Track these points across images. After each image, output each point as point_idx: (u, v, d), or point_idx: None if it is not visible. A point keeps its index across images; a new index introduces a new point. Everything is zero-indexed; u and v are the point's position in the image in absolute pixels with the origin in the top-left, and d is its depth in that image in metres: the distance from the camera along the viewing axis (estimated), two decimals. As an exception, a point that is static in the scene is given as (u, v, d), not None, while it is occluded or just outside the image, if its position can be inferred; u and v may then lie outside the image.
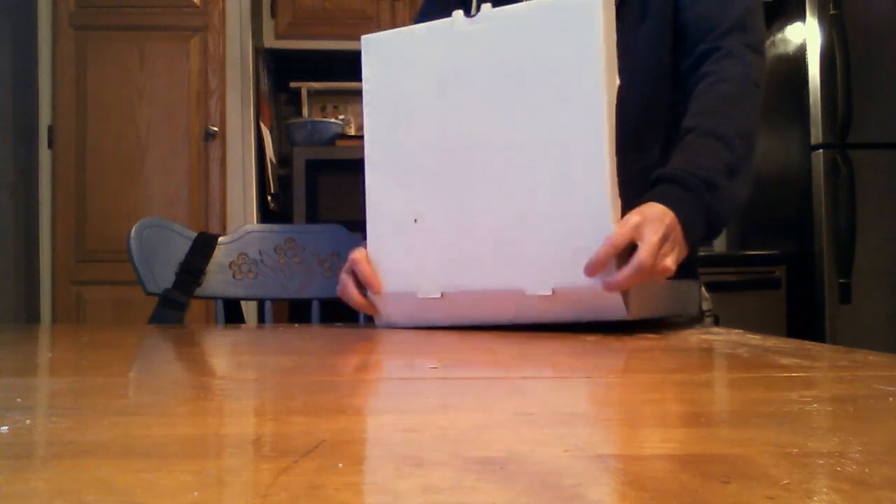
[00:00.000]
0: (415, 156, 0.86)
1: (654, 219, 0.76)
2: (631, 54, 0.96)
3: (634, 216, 0.76)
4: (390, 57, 0.88)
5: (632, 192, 0.80)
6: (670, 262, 0.76)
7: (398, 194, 0.87)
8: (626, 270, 0.72)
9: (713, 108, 0.89)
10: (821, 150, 2.36)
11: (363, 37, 0.89)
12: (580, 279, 0.74)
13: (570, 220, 0.76)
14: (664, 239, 0.75)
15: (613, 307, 0.74)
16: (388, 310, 0.88)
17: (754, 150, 0.90)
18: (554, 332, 0.76)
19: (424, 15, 1.13)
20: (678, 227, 0.78)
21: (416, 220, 0.84)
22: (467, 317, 0.83)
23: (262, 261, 1.22)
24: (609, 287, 0.73)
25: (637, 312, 0.75)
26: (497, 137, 0.81)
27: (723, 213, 0.84)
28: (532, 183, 0.79)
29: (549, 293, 0.76)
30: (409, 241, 0.85)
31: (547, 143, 0.78)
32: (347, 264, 0.91)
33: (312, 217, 2.60)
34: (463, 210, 0.82)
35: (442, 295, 0.82)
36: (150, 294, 1.15)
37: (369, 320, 1.18)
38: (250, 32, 2.67)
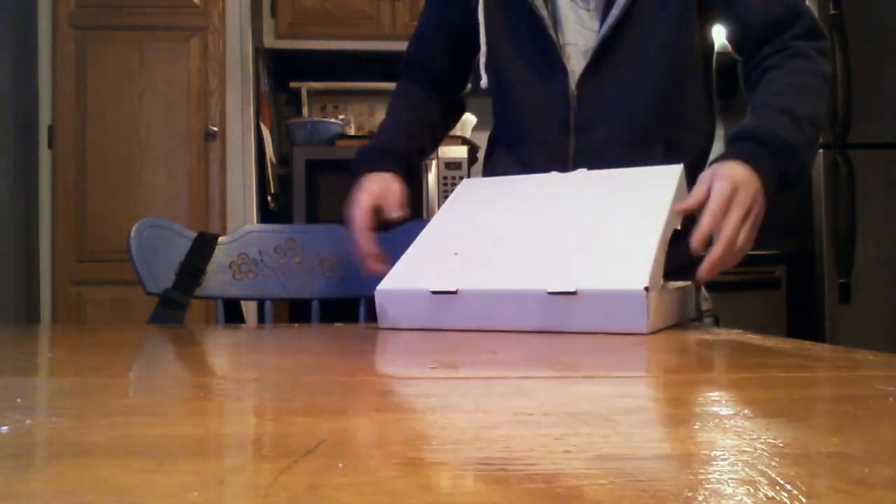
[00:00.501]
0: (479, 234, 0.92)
1: (744, 186, 0.79)
2: (645, 48, 0.96)
3: (726, 184, 0.78)
4: (480, 194, 0.99)
5: None
6: (748, 239, 0.79)
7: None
8: (718, 250, 0.75)
9: (784, 91, 0.90)
10: (821, 150, 2.36)
11: (464, 181, 1.03)
12: (606, 281, 0.74)
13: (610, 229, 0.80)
14: (747, 215, 0.78)
15: (635, 316, 0.72)
16: (395, 309, 0.86)
17: (818, 141, 0.91)
18: (554, 331, 0.76)
19: (431, 13, 1.14)
20: (761, 196, 0.81)
21: (455, 254, 0.87)
22: (480, 318, 0.80)
23: (262, 261, 1.22)
24: (704, 275, 0.75)
25: (654, 326, 0.73)
26: (550, 209, 0.89)
27: (792, 179, 0.86)
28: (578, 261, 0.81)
29: (573, 291, 0.74)
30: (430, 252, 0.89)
31: (599, 217, 0.85)
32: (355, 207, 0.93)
33: (312, 217, 2.60)
34: (492, 219, 0.90)
35: (457, 291, 0.80)
36: (150, 294, 1.15)
37: (369, 320, 1.18)
38: (250, 32, 2.67)
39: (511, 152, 1.07)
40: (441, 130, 1.19)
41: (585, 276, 0.75)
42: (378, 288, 0.85)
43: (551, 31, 0.99)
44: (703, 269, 0.76)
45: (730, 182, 0.78)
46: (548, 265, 0.79)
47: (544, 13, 0.98)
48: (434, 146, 1.18)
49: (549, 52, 0.99)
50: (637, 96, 0.98)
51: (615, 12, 0.95)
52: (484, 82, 1.05)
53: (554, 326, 0.76)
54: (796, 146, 0.84)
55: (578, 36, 1.00)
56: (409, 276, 0.86)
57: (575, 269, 0.76)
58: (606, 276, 0.74)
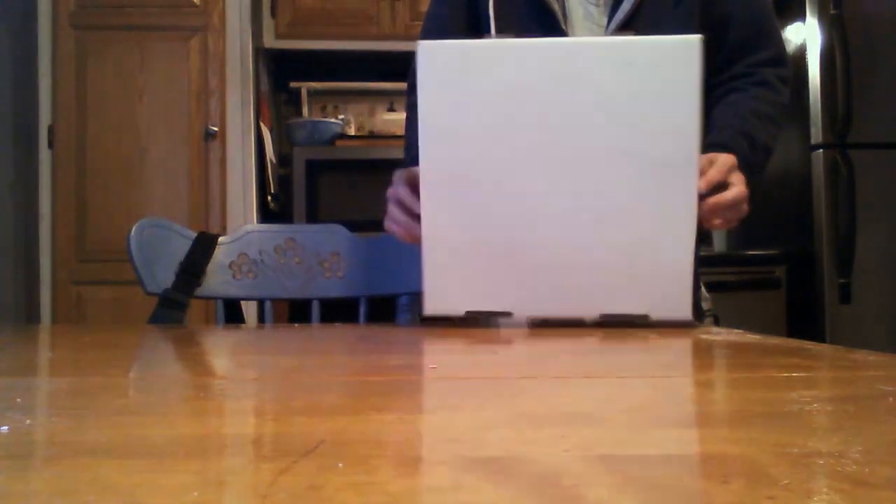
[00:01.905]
0: (476, 177, 0.81)
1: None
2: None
3: (728, 158, 0.84)
4: (452, 68, 0.81)
5: None
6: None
7: (458, 216, 0.82)
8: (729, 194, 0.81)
9: (746, 116, 0.97)
10: (821, 150, 2.36)
11: (420, 44, 0.81)
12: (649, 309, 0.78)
13: (646, 248, 0.78)
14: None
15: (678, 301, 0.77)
16: (446, 284, 0.83)
17: (766, 166, 0.98)
18: (554, 331, 0.76)
19: (434, 18, 1.13)
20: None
21: (479, 244, 0.82)
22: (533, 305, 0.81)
23: (262, 261, 1.22)
24: (707, 212, 0.80)
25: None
26: (570, 161, 0.79)
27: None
28: (608, 208, 0.79)
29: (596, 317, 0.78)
30: (471, 265, 0.82)
31: (629, 173, 0.78)
32: (393, 192, 0.88)
33: (312, 217, 2.60)
34: (529, 233, 0.80)
35: (511, 314, 0.81)
36: (150, 294, 1.15)
37: (369, 320, 1.18)
38: (250, 32, 2.67)
39: None
40: None
41: (627, 300, 0.78)
42: (426, 312, 0.83)
43: (563, 26, 0.99)
44: (706, 208, 0.80)
45: (731, 158, 0.85)
46: (588, 287, 0.80)
47: (556, 7, 0.99)
48: None
49: None
50: None
51: (626, 7, 0.95)
52: None
53: (602, 307, 0.79)
54: (752, 166, 0.91)
55: (587, 32, 1.00)
56: (460, 301, 0.83)
57: (612, 285, 0.79)
58: (650, 302, 0.78)
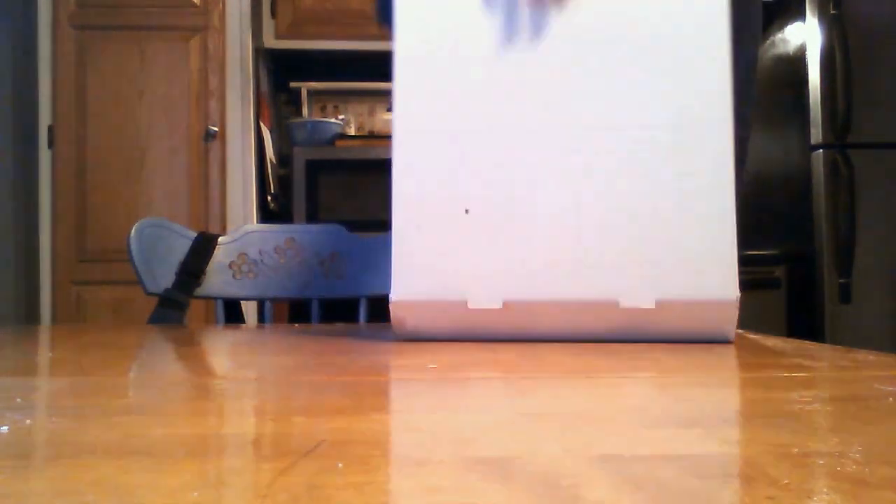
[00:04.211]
0: (465, 130, 0.68)
1: None
2: None
3: None
4: (435, 6, 0.70)
5: None
6: None
7: (440, 176, 0.68)
8: None
9: None
10: (821, 150, 2.36)
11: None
12: (691, 289, 0.65)
13: (681, 215, 0.65)
14: None
15: (722, 324, 0.66)
16: (417, 319, 0.70)
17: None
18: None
19: None
20: None
21: (466, 211, 0.67)
22: (530, 331, 0.68)
23: (262, 261, 1.22)
24: None
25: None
26: (582, 111, 0.66)
27: None
28: (630, 170, 0.66)
29: (652, 306, 0.65)
30: (454, 238, 0.68)
31: (653, 124, 0.65)
32: None
33: (312, 217, 2.60)
34: (531, 199, 0.66)
35: (503, 305, 0.67)
36: (150, 294, 1.15)
37: (370, 320, 1.18)
38: (250, 32, 2.67)
39: None
40: None
41: (662, 284, 0.65)
42: (393, 299, 0.70)
43: None
44: None
45: None
46: (613, 267, 0.66)
47: None
48: None
49: None
50: None
51: None
52: None
53: (627, 335, 0.67)
54: None
55: None
56: (437, 283, 0.68)
57: (646, 271, 0.65)
58: (689, 283, 0.65)
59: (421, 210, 0.68)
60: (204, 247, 1.19)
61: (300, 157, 2.63)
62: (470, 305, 0.67)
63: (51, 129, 2.59)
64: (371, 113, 3.15)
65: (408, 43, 0.69)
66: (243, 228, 1.25)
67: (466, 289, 0.68)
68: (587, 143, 0.66)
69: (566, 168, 0.66)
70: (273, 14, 2.84)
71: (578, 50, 0.67)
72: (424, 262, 0.68)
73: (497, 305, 0.67)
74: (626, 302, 0.65)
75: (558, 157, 0.67)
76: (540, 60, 0.67)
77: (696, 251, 0.66)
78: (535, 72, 0.68)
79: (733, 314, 0.66)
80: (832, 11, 2.34)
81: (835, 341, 2.27)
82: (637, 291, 0.65)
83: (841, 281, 2.32)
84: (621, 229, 0.66)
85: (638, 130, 0.65)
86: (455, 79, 0.69)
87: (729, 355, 0.63)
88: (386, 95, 3.09)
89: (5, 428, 0.33)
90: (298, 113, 3.06)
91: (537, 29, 0.68)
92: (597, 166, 0.66)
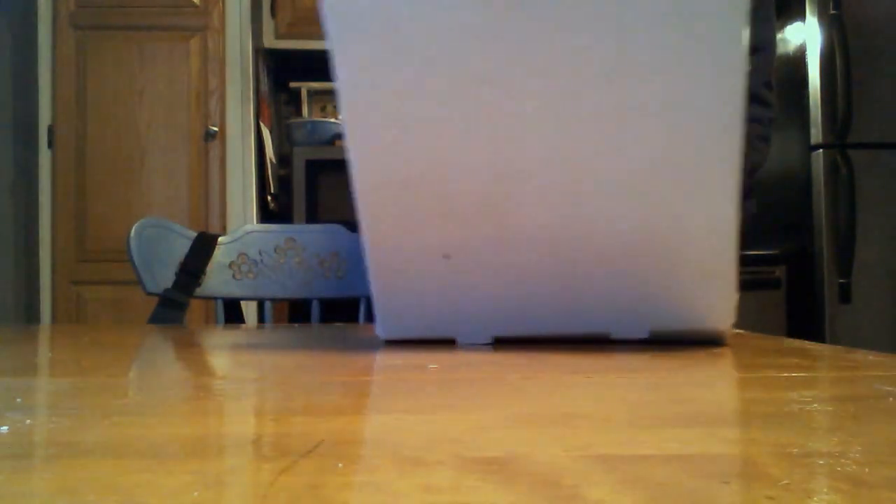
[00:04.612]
0: (431, 167, 0.57)
1: None
2: None
3: None
4: (370, 18, 0.54)
5: None
6: None
7: (412, 225, 0.61)
8: None
9: None
10: (821, 150, 2.36)
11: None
12: (686, 321, 0.62)
13: (677, 244, 0.58)
14: None
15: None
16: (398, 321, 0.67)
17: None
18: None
19: None
20: None
21: (446, 256, 0.61)
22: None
23: (262, 261, 1.22)
24: None
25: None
26: (560, 131, 0.53)
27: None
28: (619, 188, 0.56)
29: (645, 335, 0.63)
30: (436, 280, 0.62)
31: (651, 127, 0.53)
32: None
33: (312, 217, 2.60)
34: (513, 236, 0.59)
35: (494, 341, 0.66)
36: (150, 294, 1.15)
37: (369, 320, 1.18)
38: (250, 32, 2.67)
39: None
40: None
41: (657, 316, 0.62)
42: (382, 336, 0.69)
43: None
44: None
45: None
46: (603, 304, 0.61)
47: None
48: None
49: None
50: None
51: None
52: None
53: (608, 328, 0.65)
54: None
55: None
56: (416, 316, 0.66)
57: (639, 304, 0.61)
58: (684, 314, 0.61)
59: (398, 255, 0.62)
60: (204, 247, 1.19)
61: (300, 157, 2.63)
62: (459, 342, 0.66)
63: (51, 129, 2.59)
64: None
65: (352, 83, 0.55)
66: (243, 228, 1.25)
67: (455, 328, 0.65)
68: (560, 166, 0.56)
69: (550, 200, 0.57)
70: (273, 14, 2.84)
71: (559, 87, 0.52)
72: (408, 303, 0.64)
73: (487, 341, 0.65)
74: (619, 335, 0.63)
75: (534, 187, 0.57)
76: (513, 95, 0.53)
77: (692, 282, 0.60)
78: (504, 108, 0.54)
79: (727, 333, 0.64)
80: (832, 11, 2.34)
81: (835, 341, 2.27)
82: (629, 325, 0.62)
83: (841, 281, 2.32)
84: (612, 261, 0.59)
85: (630, 138, 0.54)
86: (410, 122, 0.56)
87: (728, 355, 0.63)
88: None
89: (5, 428, 0.33)
90: (298, 113, 3.06)
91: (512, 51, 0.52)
92: (585, 192, 0.57)
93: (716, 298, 0.61)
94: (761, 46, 0.99)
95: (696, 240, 0.59)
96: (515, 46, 0.51)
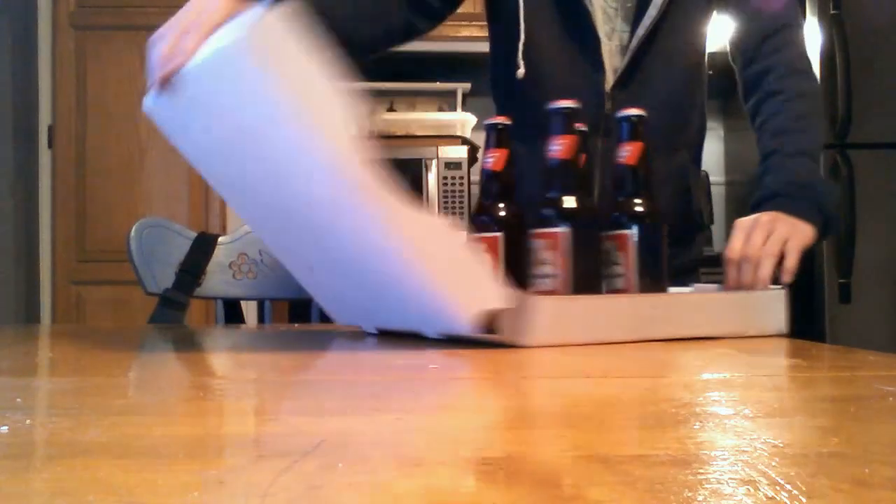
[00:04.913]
0: (250, 219, 0.82)
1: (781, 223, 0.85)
2: (676, 49, 0.99)
3: (765, 223, 0.84)
4: (166, 129, 0.75)
5: (663, 194, 0.84)
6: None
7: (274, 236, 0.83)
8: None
9: (792, 128, 0.95)
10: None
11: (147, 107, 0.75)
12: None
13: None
14: (766, 237, 0.84)
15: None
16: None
17: (818, 159, 0.98)
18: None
19: None
20: (787, 221, 0.86)
21: (310, 269, 0.78)
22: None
23: (262, 261, 1.22)
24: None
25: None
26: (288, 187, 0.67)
27: (829, 207, 0.91)
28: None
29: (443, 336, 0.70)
30: (322, 286, 0.80)
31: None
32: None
33: (312, 217, 2.60)
34: (323, 254, 0.72)
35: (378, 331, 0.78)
36: (150, 294, 1.15)
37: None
38: (250, 32, 2.67)
39: (531, 149, 0.99)
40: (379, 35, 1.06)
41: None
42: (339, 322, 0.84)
43: (596, 26, 0.96)
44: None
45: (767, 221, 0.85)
46: (406, 306, 0.70)
47: (590, 7, 0.96)
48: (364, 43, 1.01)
49: (591, 47, 0.96)
50: (667, 98, 0.98)
51: (652, 12, 0.94)
52: (521, 72, 0.98)
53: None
54: (818, 181, 0.93)
55: (610, 33, 0.98)
56: (339, 309, 0.82)
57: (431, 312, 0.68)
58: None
59: (292, 266, 0.81)
60: (204, 247, 1.19)
61: (300, 157, 2.63)
62: (363, 329, 0.81)
63: (51, 129, 2.59)
64: (371, 113, 3.15)
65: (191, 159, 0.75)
66: (243, 228, 1.25)
67: (356, 317, 0.81)
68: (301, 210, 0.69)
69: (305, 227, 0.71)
70: (273, 14, 2.84)
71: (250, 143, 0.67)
72: (332, 297, 0.81)
73: (372, 331, 0.78)
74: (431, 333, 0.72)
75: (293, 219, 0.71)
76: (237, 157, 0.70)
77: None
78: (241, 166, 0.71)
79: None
80: (832, 11, 2.34)
81: (835, 341, 2.27)
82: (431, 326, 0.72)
83: (841, 281, 2.32)
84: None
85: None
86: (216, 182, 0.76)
87: (728, 356, 0.63)
88: (386, 95, 3.09)
89: (5, 428, 0.33)
90: (298, 113, 3.06)
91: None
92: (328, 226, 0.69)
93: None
94: (789, 23, 1.00)
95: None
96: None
